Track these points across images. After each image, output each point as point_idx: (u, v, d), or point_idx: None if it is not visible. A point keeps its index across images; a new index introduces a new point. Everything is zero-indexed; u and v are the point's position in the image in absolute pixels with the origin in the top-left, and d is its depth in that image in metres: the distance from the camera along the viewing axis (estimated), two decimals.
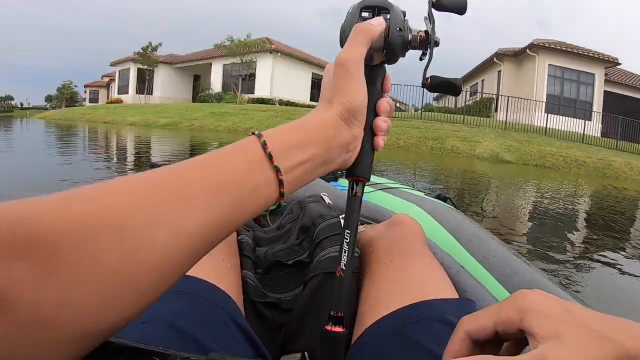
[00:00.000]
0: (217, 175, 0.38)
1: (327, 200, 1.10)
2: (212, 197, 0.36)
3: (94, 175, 4.76)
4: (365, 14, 0.55)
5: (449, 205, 1.32)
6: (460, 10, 0.57)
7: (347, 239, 0.53)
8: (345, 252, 0.53)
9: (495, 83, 22.23)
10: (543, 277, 0.85)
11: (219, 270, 0.67)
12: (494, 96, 20.10)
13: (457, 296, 0.68)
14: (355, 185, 0.56)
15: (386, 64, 0.57)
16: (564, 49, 19.55)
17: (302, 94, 26.89)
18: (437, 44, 0.56)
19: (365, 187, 1.56)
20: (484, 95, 21.22)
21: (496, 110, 19.34)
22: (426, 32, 0.56)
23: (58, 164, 5.50)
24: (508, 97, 17.17)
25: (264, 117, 17.03)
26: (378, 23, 0.52)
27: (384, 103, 0.55)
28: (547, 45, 19.46)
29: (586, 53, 19.71)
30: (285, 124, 0.46)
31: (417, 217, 1.06)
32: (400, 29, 0.53)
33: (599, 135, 17.14)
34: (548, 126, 15.82)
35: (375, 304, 0.66)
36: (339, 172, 1.58)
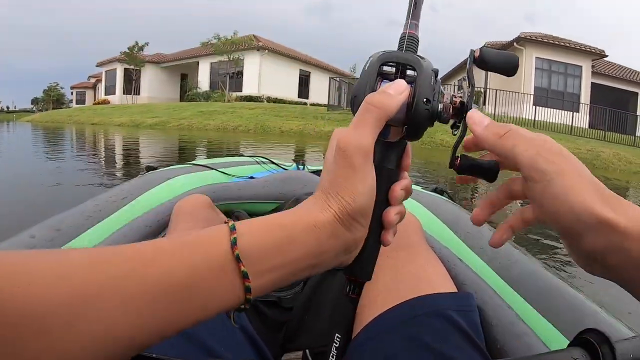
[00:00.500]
0: (166, 275, 0.31)
1: None
2: (152, 301, 0.30)
3: (82, 181, 4.69)
4: (386, 69, 0.44)
5: (446, 199, 1.32)
6: (510, 71, 0.48)
7: (336, 343, 0.47)
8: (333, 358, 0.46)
9: (482, 76, 22.28)
10: (542, 267, 0.83)
11: None
12: (482, 89, 20.15)
13: (455, 290, 0.68)
14: (351, 286, 0.46)
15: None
16: (551, 42, 19.61)
17: (290, 91, 26.85)
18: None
19: None
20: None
21: (484, 104, 19.38)
22: (462, 102, 0.45)
23: (46, 171, 5.39)
24: (496, 90, 17.22)
25: (253, 114, 16.99)
26: (398, 92, 0.41)
27: (399, 190, 0.43)
28: (534, 38, 19.52)
29: (573, 45, 19.80)
30: (268, 216, 0.39)
31: (415, 211, 1.11)
32: (427, 100, 0.42)
33: (586, 126, 17.21)
34: (536, 119, 15.92)
35: (374, 300, 0.65)
36: None
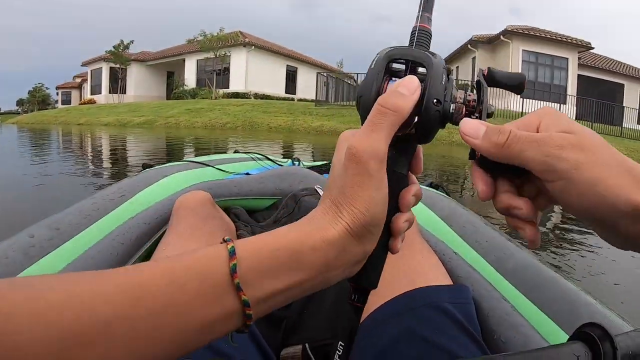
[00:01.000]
0: (157, 304, 0.29)
1: (322, 193, 1.05)
2: (144, 338, 0.28)
3: (73, 185, 4.60)
4: (395, 66, 0.40)
5: (442, 193, 1.33)
6: (518, 89, 0.44)
7: (339, 351, 0.44)
8: None
9: (470, 70, 22.39)
10: (536, 260, 0.84)
11: None
12: (469, 82, 20.21)
13: (450, 282, 0.69)
14: (356, 294, 0.43)
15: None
16: (538, 34, 19.70)
17: (277, 87, 26.85)
18: (490, 115, 0.42)
19: None
20: (459, 82, 21.15)
21: None
22: (478, 98, 0.42)
23: (33, 176, 5.27)
24: None
25: (240, 111, 16.97)
26: (411, 90, 0.37)
27: (409, 196, 0.40)
28: (520, 31, 19.59)
29: (559, 38, 19.90)
30: (272, 232, 0.35)
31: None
32: (438, 101, 0.38)
33: (574, 118, 17.30)
34: (524, 111, 15.97)
35: (371, 295, 0.61)
36: (331, 164, 1.55)
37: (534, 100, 16.91)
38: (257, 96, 23.78)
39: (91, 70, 34.43)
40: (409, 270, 0.68)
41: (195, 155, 1.64)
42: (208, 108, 18.17)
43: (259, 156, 1.69)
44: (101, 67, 32.15)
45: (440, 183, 1.49)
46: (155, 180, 1.15)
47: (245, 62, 24.98)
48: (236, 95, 23.55)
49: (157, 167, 1.38)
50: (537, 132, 0.38)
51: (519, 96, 17.31)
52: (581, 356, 0.44)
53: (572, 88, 19.99)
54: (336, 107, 17.29)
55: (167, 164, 1.39)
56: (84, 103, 32.88)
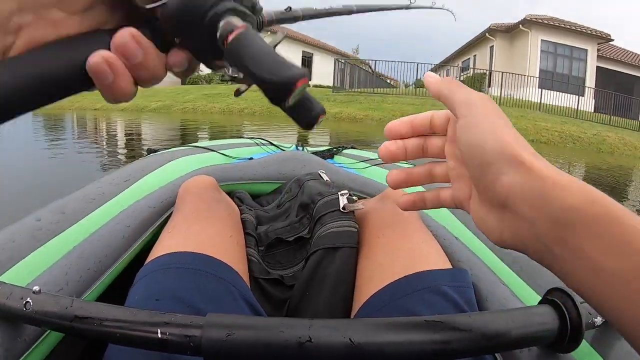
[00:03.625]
0: None
1: (325, 178, 1.10)
2: None
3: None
4: None
5: None
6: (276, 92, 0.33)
7: None
8: None
9: (487, 59, 22.17)
10: None
11: (228, 248, 0.69)
12: (487, 72, 20.06)
13: (450, 266, 0.69)
14: None
15: None
16: (557, 24, 19.46)
17: None
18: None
19: (360, 162, 1.52)
20: (476, 71, 21.12)
21: (489, 86, 19.32)
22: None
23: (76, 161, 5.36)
24: (502, 72, 17.10)
25: (257, 97, 16.54)
26: None
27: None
28: (539, 20, 19.35)
29: (579, 29, 19.63)
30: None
31: (411, 190, 1.07)
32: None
33: (592, 110, 17.18)
34: (542, 102, 15.87)
35: (371, 278, 0.67)
36: (335, 149, 1.71)
37: (552, 91, 16.70)
38: None
39: None
40: (409, 255, 0.69)
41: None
42: (225, 93, 18.12)
43: (262, 141, 1.70)
44: None
45: None
46: (159, 165, 1.16)
47: None
48: None
49: (161, 152, 1.39)
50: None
51: (537, 87, 17.16)
52: (548, 319, 0.50)
53: (590, 80, 19.73)
54: (353, 93, 17.19)
55: (171, 149, 1.42)
56: None
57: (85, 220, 0.81)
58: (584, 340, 0.51)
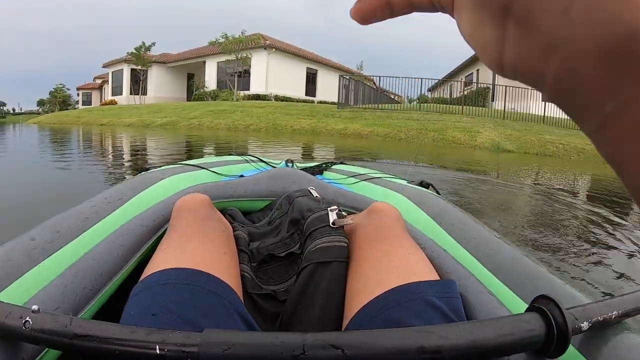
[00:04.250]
0: None
1: (315, 194, 1.13)
2: None
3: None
4: None
5: (431, 192, 1.37)
6: None
7: None
8: None
9: (490, 72, 22.23)
10: (523, 255, 0.87)
11: (222, 264, 0.70)
12: (490, 85, 20.16)
13: (438, 278, 0.71)
14: None
15: None
16: None
17: (297, 89, 26.94)
18: None
19: (349, 177, 1.51)
20: (479, 85, 21.27)
21: (493, 100, 19.40)
22: None
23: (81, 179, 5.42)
24: (505, 86, 17.20)
25: (263, 113, 17.06)
26: None
27: None
28: None
29: None
30: None
31: (400, 204, 1.16)
32: None
33: None
34: (545, 114, 15.92)
35: (360, 291, 0.68)
36: (324, 165, 1.71)
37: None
38: (277, 98, 23.90)
39: (112, 72, 34.80)
40: (396, 267, 0.70)
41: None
42: (231, 110, 18.28)
43: (252, 158, 1.71)
44: (122, 69, 32.54)
45: (429, 182, 1.52)
46: (151, 184, 1.17)
47: (266, 65, 25.15)
48: (257, 97, 23.69)
49: (152, 170, 1.39)
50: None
51: (540, 99, 17.16)
52: (535, 326, 0.51)
53: None
54: (358, 109, 17.31)
55: (163, 167, 1.42)
56: (106, 104, 33.31)
57: (79, 239, 0.82)
58: (571, 345, 0.52)
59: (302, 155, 8.28)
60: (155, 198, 1.09)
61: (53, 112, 43.31)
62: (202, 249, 0.71)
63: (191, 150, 8.85)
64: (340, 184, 1.47)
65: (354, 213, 1.17)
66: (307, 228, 0.85)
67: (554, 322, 0.51)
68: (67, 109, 43.37)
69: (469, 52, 24.50)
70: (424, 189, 1.38)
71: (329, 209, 0.86)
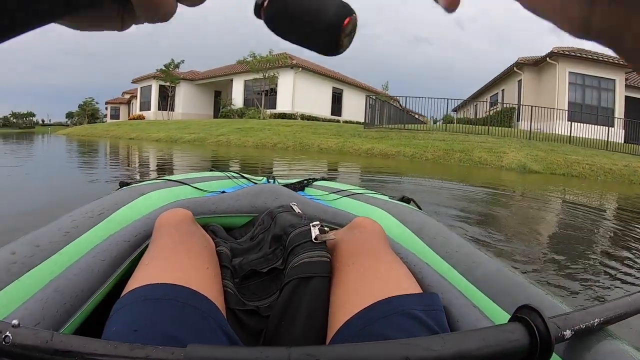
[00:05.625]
0: None
1: (297, 210, 1.14)
2: None
3: None
4: None
5: (413, 207, 1.38)
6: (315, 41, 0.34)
7: None
8: None
9: (515, 92, 22.24)
10: (504, 267, 0.86)
11: (205, 280, 0.69)
12: (516, 106, 20.14)
13: (420, 291, 0.70)
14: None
15: None
16: (584, 55, 19.47)
17: (323, 108, 27.08)
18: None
19: (331, 194, 1.51)
20: (504, 105, 21.18)
21: (518, 120, 19.34)
22: None
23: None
24: (531, 106, 17.07)
25: (290, 131, 17.19)
26: None
27: None
28: (566, 52, 19.42)
29: (605, 59, 19.57)
30: None
31: (382, 219, 1.17)
32: None
33: (622, 141, 17.01)
34: (572, 134, 15.80)
35: (343, 306, 0.68)
36: (305, 181, 1.72)
37: (581, 124, 16.57)
38: (303, 117, 24.10)
39: (141, 87, 35.58)
40: (379, 281, 0.70)
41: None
42: (258, 128, 18.42)
43: (234, 174, 1.70)
44: (151, 85, 33.19)
45: (411, 197, 1.51)
46: (133, 199, 1.16)
47: (292, 84, 25.39)
48: (283, 115, 23.91)
49: (133, 185, 1.38)
50: None
51: (566, 119, 17.04)
52: (518, 336, 0.51)
53: (619, 110, 19.65)
54: (385, 130, 17.33)
55: (144, 182, 1.41)
56: (133, 118, 34.05)
57: (60, 254, 0.81)
58: (554, 354, 0.53)
59: (329, 173, 8.22)
60: (137, 213, 1.09)
61: (81, 124, 44.33)
62: (184, 264, 0.71)
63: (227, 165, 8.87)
64: (321, 200, 1.47)
65: (336, 229, 1.15)
66: (290, 244, 0.85)
67: (537, 331, 0.51)
68: (96, 122, 44.44)
69: (494, 72, 24.45)
70: (405, 204, 1.38)
71: (311, 224, 0.86)
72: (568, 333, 0.53)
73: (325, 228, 0.86)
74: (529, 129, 15.98)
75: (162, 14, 0.32)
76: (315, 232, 0.84)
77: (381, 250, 0.81)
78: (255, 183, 1.66)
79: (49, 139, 23.31)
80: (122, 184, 1.44)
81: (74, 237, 0.88)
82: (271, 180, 1.75)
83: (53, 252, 0.80)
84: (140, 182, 1.44)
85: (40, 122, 63.53)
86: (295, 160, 10.88)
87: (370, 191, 1.54)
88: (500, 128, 17.13)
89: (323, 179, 1.83)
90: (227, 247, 0.92)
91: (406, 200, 1.49)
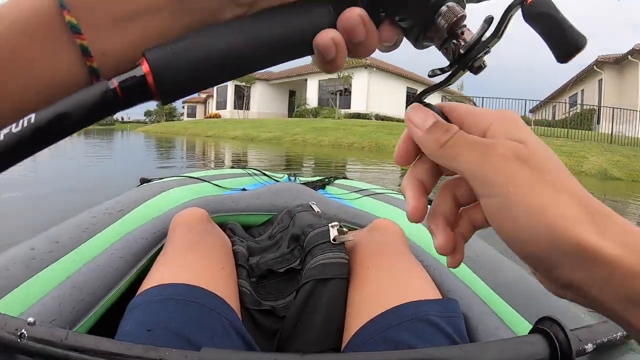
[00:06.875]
0: None
1: (316, 209, 1.10)
2: None
3: None
4: None
5: None
6: (564, 51, 0.32)
7: None
8: None
9: (596, 93, 21.20)
10: (527, 274, 0.83)
11: (220, 280, 0.69)
12: (596, 107, 19.35)
13: (439, 296, 0.69)
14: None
15: None
16: None
17: (397, 108, 26.55)
18: (477, 70, 0.34)
19: (352, 193, 1.52)
20: (584, 107, 20.27)
21: (598, 123, 18.59)
22: (479, 36, 0.33)
23: None
24: (612, 108, 16.24)
25: (365, 131, 17.11)
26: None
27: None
28: None
29: None
30: None
31: (402, 221, 1.09)
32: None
33: None
34: None
35: (361, 309, 0.68)
36: (327, 179, 1.68)
37: None
38: (377, 117, 23.90)
39: (217, 87, 36.03)
40: (398, 285, 0.69)
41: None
42: (333, 127, 18.37)
43: (255, 172, 1.68)
44: (227, 85, 33.80)
45: (431, 198, 1.54)
46: (152, 196, 1.15)
47: (366, 83, 25.27)
48: (357, 115, 23.80)
49: (154, 182, 1.38)
50: (484, 136, 0.31)
51: None
52: (539, 348, 0.50)
53: None
54: None
55: (164, 179, 1.40)
56: (210, 117, 35.15)
57: (78, 251, 0.80)
58: None
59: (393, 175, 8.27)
60: (155, 211, 1.08)
61: (159, 122, 46.16)
62: (199, 264, 0.70)
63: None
64: (342, 199, 1.45)
65: (356, 229, 1.14)
66: (308, 244, 0.83)
67: (557, 345, 0.50)
68: (173, 120, 46.20)
69: (573, 72, 23.19)
70: (429, 206, 1.51)
71: (329, 225, 0.84)
72: (590, 347, 0.52)
73: (345, 228, 0.85)
74: (610, 132, 15.29)
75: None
76: (333, 232, 0.82)
77: (400, 253, 0.80)
78: (277, 181, 1.65)
79: (128, 135, 24.20)
80: (143, 181, 1.45)
81: (93, 234, 0.88)
82: (292, 178, 1.73)
83: (71, 248, 0.81)
84: (161, 178, 1.44)
85: (120, 120, 65.99)
86: (369, 161, 10.92)
87: (391, 191, 1.51)
88: (579, 131, 16.39)
89: (344, 177, 1.82)
90: (244, 246, 0.91)
91: (428, 201, 1.66)
